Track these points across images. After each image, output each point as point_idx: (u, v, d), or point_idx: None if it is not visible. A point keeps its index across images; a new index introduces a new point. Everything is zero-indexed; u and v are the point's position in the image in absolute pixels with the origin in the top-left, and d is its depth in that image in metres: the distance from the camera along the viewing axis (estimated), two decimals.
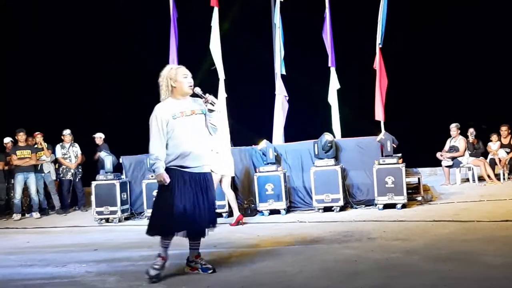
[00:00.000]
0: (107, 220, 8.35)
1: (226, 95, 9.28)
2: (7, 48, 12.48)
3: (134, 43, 12.81)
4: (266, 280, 4.18)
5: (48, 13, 12.55)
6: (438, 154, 10.01)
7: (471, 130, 10.08)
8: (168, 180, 4.19)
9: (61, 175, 9.99)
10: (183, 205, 4.17)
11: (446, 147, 10.03)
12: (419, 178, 8.30)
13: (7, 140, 10.27)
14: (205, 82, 9.74)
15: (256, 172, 8.02)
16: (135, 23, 12.66)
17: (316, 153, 7.94)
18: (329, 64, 9.17)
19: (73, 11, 12.64)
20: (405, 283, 3.83)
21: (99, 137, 10.65)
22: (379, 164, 7.52)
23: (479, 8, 10.88)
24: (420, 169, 9.34)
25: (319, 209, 7.71)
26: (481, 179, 9.86)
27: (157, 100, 4.40)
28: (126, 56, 12.70)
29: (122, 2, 12.21)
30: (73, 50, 12.99)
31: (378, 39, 8.59)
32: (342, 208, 7.67)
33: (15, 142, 10.03)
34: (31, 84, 12.95)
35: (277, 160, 8.18)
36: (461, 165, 9.80)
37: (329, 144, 7.84)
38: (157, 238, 4.38)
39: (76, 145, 10.23)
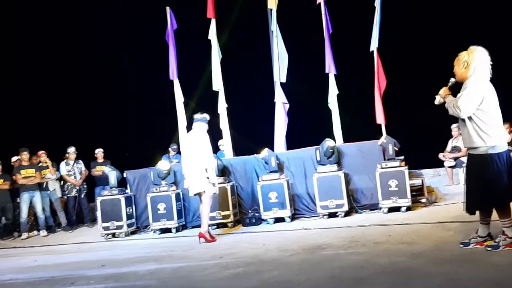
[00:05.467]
0: (113, 235, 8.38)
1: (226, 105, 9.33)
2: (7, 66, 12.57)
3: (134, 57, 12.89)
4: None
5: (48, 31, 12.66)
6: (441, 155, 10.01)
7: None
8: None
9: (66, 192, 10.04)
10: None
11: (448, 148, 10.03)
12: (422, 180, 8.29)
13: (15, 158, 10.31)
14: (205, 93, 9.87)
15: (259, 181, 8.04)
16: (134, 37, 12.75)
17: (318, 159, 7.96)
18: (327, 70, 9.22)
19: (72, 28, 12.74)
20: (412, 287, 3.84)
21: (101, 152, 10.66)
22: (382, 167, 7.53)
23: (479, 8, 10.88)
24: (423, 171, 9.34)
25: (323, 215, 7.71)
26: None
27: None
28: (126, 71, 12.78)
29: (122, 17, 12.31)
30: (74, 66, 13.08)
31: (375, 43, 8.64)
32: (347, 214, 7.67)
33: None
34: (34, 103, 13.03)
35: (280, 168, 8.20)
36: (463, 165, 9.75)
37: (331, 150, 7.86)
38: (158, 253, 4.40)
39: (80, 161, 10.31)
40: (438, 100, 4.77)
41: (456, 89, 4.66)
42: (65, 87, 13.10)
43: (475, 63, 4.49)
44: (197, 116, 7.06)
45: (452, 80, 4.71)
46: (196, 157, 6.81)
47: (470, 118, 4.44)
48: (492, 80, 4.60)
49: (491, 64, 4.55)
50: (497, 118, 4.48)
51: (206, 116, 7.07)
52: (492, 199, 4.48)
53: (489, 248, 4.51)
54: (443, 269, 4.16)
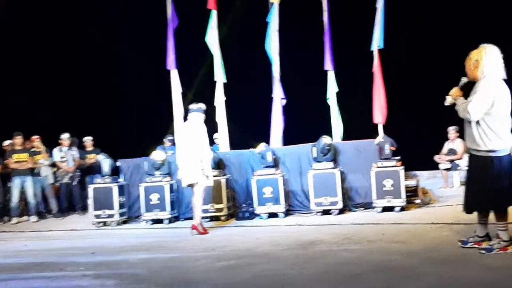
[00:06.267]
0: (104, 224, 8.31)
1: (225, 98, 9.27)
2: (5, 53, 12.44)
3: (131, 46, 12.78)
4: (266, 283, 4.16)
5: (47, 18, 12.54)
6: (436, 157, 10.02)
7: None
8: None
9: (59, 178, 9.96)
10: None
11: (444, 150, 10.05)
12: (417, 181, 8.29)
13: (7, 142, 10.22)
14: (204, 85, 9.81)
15: (254, 175, 8.00)
16: (133, 28, 12.64)
17: (315, 156, 7.93)
18: (326, 67, 9.18)
19: (71, 15, 12.62)
20: (405, 285, 3.82)
21: (90, 140, 10.60)
22: (378, 167, 7.52)
23: (480, 9, 10.84)
24: (418, 172, 9.32)
25: (317, 212, 7.69)
26: None
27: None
28: (124, 60, 12.67)
29: (120, 7, 12.19)
30: (71, 54, 12.95)
31: (376, 42, 8.61)
32: (341, 211, 7.66)
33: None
34: (29, 87, 12.92)
35: (276, 163, 8.16)
36: (459, 168, 9.79)
37: (327, 147, 7.84)
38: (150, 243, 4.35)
39: (74, 148, 10.21)
40: (449, 101, 4.69)
41: (467, 88, 4.59)
42: (62, 73, 12.97)
43: (485, 63, 4.42)
44: (192, 106, 6.95)
45: (463, 79, 4.64)
46: (192, 147, 6.75)
47: (477, 121, 4.42)
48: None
49: (503, 63, 4.47)
50: (505, 123, 4.42)
51: (202, 105, 6.96)
52: (490, 202, 4.49)
53: (483, 251, 4.51)
54: (436, 269, 4.15)
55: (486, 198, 4.47)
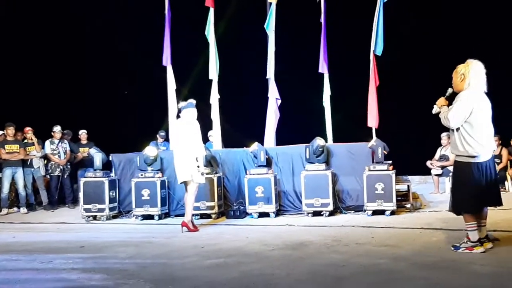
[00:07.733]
0: (94, 218, 8.28)
1: (219, 96, 9.26)
2: (4, 51, 12.37)
3: (126, 42, 12.74)
4: (254, 282, 4.16)
5: (47, 18, 12.50)
6: (428, 163, 10.06)
7: None
8: None
9: (50, 171, 9.91)
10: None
11: (436, 156, 10.09)
12: (408, 186, 8.32)
13: (0, 132, 10.15)
14: (198, 83, 9.79)
15: (246, 174, 8.00)
16: (128, 23, 12.60)
17: (307, 157, 7.94)
18: (320, 70, 9.17)
19: (67, 9, 12.57)
20: None
21: (84, 133, 10.59)
22: (370, 170, 7.54)
23: (473, 20, 10.91)
24: (410, 177, 9.37)
25: (308, 213, 7.70)
26: None
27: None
28: (120, 56, 12.63)
29: (120, 7, 12.16)
30: (67, 47, 12.90)
31: (372, 46, 8.63)
32: (331, 213, 7.67)
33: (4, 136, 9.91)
34: (22, 79, 12.84)
35: (268, 163, 8.16)
36: (450, 174, 9.80)
37: (320, 149, 7.85)
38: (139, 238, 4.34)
39: (66, 141, 10.17)
40: (435, 109, 5.05)
41: (453, 98, 4.88)
42: (58, 67, 12.94)
43: (471, 76, 4.75)
44: (182, 103, 6.96)
45: (450, 90, 4.98)
46: (187, 144, 6.74)
47: (458, 129, 4.75)
48: (489, 92, 4.80)
49: (486, 77, 4.80)
50: (484, 132, 4.72)
51: (192, 100, 6.96)
52: (464, 204, 4.78)
53: (452, 248, 4.85)
54: (424, 274, 4.17)
55: (461, 200, 4.77)
